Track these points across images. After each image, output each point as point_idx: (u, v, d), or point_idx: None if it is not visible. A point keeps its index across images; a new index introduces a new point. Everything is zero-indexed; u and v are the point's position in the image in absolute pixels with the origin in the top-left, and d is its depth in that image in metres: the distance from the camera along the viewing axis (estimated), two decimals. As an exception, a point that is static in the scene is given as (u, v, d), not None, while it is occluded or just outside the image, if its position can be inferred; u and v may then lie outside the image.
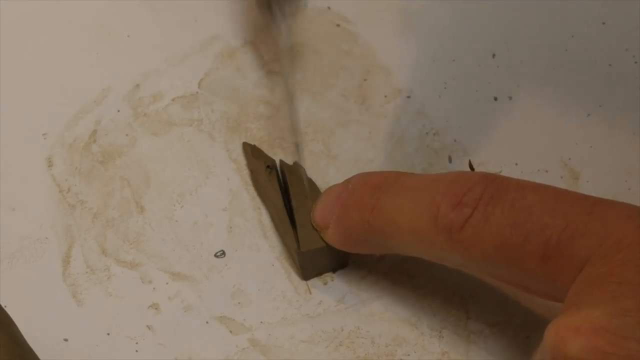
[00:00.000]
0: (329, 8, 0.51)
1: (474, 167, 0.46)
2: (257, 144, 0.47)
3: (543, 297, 0.36)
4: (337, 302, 0.42)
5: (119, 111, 0.48)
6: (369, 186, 0.40)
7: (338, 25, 0.51)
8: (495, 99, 0.48)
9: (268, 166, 0.45)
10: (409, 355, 0.41)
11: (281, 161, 0.45)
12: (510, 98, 0.48)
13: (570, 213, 0.33)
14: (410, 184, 0.38)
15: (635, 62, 0.49)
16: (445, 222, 0.36)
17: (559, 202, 0.34)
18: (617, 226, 0.32)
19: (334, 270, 0.43)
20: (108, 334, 0.41)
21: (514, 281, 0.36)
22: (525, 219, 0.34)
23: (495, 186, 0.35)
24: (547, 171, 0.46)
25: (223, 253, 0.44)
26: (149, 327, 0.42)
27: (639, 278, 0.30)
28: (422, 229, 0.37)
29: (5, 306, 0.38)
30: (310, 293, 0.43)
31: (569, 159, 0.46)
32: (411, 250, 0.39)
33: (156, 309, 0.42)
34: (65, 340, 0.41)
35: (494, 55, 0.50)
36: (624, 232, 0.32)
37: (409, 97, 0.49)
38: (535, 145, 0.47)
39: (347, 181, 0.41)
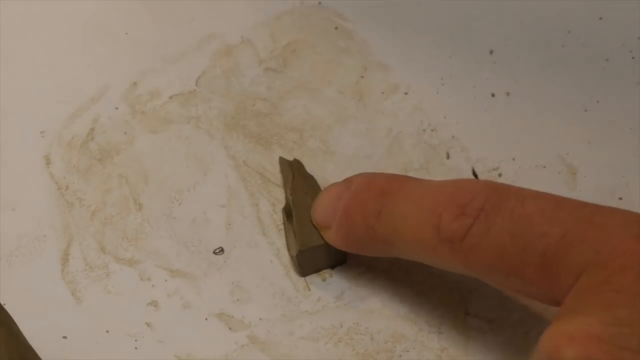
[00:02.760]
0: (322, 5, 0.51)
1: (477, 172, 0.46)
2: (254, 141, 0.47)
3: (542, 302, 0.36)
4: (335, 298, 0.43)
5: (116, 109, 0.48)
6: (373, 190, 0.40)
7: (335, 23, 0.51)
8: (493, 95, 0.48)
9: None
10: (408, 351, 0.41)
11: (281, 158, 0.45)
12: (508, 94, 0.48)
13: (569, 221, 0.33)
14: (414, 191, 0.38)
15: (632, 58, 0.49)
16: (447, 232, 0.36)
17: (557, 211, 0.34)
18: (615, 234, 0.32)
19: (332, 267, 0.43)
20: (107, 332, 0.41)
21: (514, 288, 0.36)
22: (525, 228, 0.34)
23: (497, 196, 0.35)
24: (544, 167, 0.46)
25: (221, 250, 0.44)
26: (148, 324, 0.42)
27: (635, 286, 0.30)
28: (425, 239, 0.37)
29: (4, 304, 0.38)
30: (309, 290, 0.43)
31: (567, 154, 0.46)
32: (413, 257, 0.39)
33: (155, 306, 0.42)
34: (65, 337, 0.41)
35: (491, 52, 0.50)
36: (622, 240, 0.32)
37: (406, 93, 0.49)
38: (533, 141, 0.47)
39: (349, 181, 0.41)
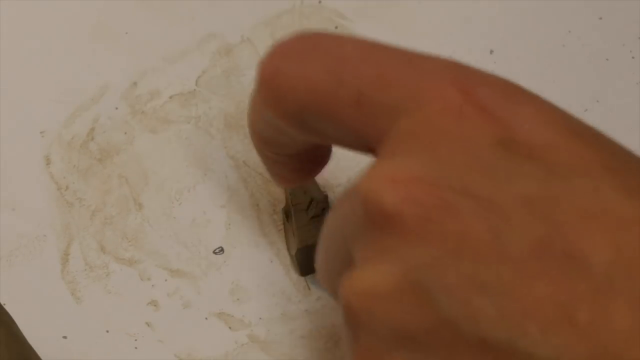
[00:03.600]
0: (322, 4, 0.51)
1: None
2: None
3: (360, 151, 0.33)
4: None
5: (116, 109, 0.48)
6: None
7: (335, 22, 0.51)
8: (493, 94, 0.48)
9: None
10: (408, 350, 0.41)
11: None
12: (508, 94, 0.48)
13: (388, 62, 0.32)
14: None
15: (633, 57, 0.49)
16: (260, 75, 0.34)
17: (377, 53, 0.32)
18: (433, 78, 0.30)
19: (332, 267, 0.43)
20: (107, 331, 0.41)
21: (328, 135, 0.33)
22: (341, 66, 0.32)
23: (309, 37, 0.33)
24: (544, 166, 0.46)
25: (221, 250, 0.44)
26: (148, 324, 0.42)
27: (455, 127, 0.29)
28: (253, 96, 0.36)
29: (4, 304, 0.38)
30: (309, 289, 0.43)
31: (567, 154, 0.46)
32: (254, 123, 0.38)
33: (155, 305, 0.42)
34: (65, 337, 0.41)
35: (491, 52, 0.50)
36: (440, 84, 0.30)
37: (406, 93, 0.48)
38: (533, 141, 0.47)
39: None
